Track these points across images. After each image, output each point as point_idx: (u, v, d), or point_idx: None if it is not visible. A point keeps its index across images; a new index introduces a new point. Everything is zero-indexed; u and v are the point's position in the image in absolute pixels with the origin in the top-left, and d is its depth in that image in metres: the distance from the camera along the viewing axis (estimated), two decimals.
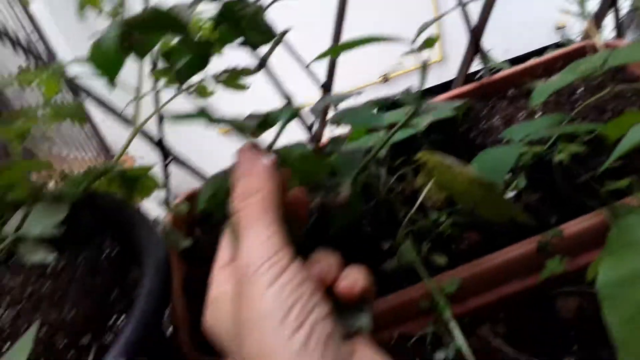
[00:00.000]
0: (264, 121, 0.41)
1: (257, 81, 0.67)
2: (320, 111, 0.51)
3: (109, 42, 0.36)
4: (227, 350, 0.34)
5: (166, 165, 0.76)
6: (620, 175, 0.62)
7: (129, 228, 0.58)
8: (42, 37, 1.98)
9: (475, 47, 0.84)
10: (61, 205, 0.57)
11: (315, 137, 0.48)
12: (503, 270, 0.55)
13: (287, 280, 0.30)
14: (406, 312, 0.56)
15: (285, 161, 0.38)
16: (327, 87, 0.83)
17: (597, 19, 0.87)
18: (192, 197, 0.77)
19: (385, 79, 2.84)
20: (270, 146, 0.38)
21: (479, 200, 0.56)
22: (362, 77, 2.74)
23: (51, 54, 1.95)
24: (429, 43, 0.41)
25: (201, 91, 0.66)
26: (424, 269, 0.57)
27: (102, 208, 0.61)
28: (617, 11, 0.88)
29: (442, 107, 0.47)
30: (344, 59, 0.87)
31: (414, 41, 0.41)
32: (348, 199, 0.42)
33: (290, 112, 0.39)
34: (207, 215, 0.76)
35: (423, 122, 0.70)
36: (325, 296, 0.32)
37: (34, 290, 0.51)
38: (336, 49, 0.56)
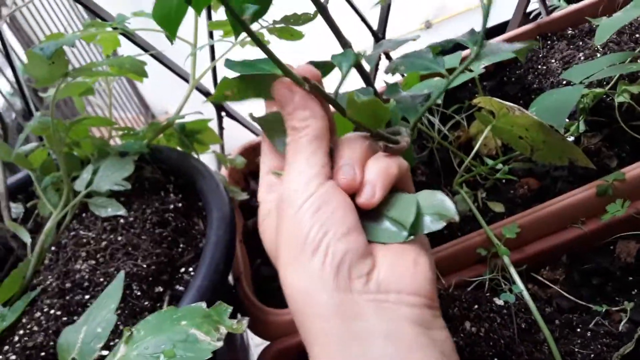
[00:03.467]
0: (324, 67, 0.41)
1: (311, 36, 0.65)
2: (377, 59, 0.50)
3: None
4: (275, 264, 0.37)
5: (220, 120, 0.77)
6: None
7: (192, 180, 0.60)
8: None
9: None
10: (127, 160, 0.59)
11: (371, 85, 0.47)
12: (562, 215, 0.55)
13: (309, 205, 0.33)
14: (463, 260, 0.57)
15: (352, 105, 0.38)
16: (379, 35, 0.81)
17: None
18: (246, 151, 0.78)
19: (428, 24, 2.72)
20: (335, 91, 0.38)
21: (539, 144, 0.55)
22: (402, 24, 2.58)
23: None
24: None
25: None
26: (481, 216, 0.57)
27: (166, 161, 0.63)
28: None
29: (500, 48, 0.45)
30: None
31: None
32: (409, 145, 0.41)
33: (353, 56, 0.39)
34: None
35: (479, 65, 0.69)
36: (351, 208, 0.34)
37: (109, 243, 0.54)
38: None
